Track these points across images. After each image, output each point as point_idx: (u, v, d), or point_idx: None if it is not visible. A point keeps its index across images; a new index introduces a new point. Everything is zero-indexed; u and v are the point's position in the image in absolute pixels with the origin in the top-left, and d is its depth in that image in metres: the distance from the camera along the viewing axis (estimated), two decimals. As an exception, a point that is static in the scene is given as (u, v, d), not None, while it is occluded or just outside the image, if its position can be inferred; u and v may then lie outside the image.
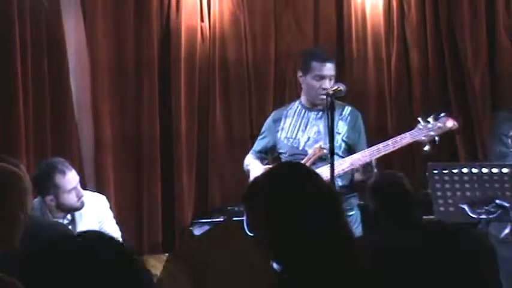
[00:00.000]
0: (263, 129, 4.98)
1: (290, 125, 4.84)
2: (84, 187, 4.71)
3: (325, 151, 4.61)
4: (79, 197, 4.42)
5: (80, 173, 4.92)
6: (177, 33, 5.78)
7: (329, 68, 4.74)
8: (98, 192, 4.86)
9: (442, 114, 4.63)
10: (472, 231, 3.54)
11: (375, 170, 4.53)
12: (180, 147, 5.76)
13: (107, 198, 4.79)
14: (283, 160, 4.77)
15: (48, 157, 4.97)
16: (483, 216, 4.03)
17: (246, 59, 5.96)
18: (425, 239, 3.16)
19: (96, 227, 4.54)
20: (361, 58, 6.08)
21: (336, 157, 4.61)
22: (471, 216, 4.05)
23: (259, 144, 4.97)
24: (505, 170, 4.04)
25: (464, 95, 6.02)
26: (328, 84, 4.69)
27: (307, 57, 4.85)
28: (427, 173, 4.16)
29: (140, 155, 5.72)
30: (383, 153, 4.56)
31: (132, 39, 5.70)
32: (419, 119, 4.62)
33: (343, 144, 4.71)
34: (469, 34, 6.00)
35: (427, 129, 4.56)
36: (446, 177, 4.09)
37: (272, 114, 4.99)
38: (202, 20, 5.87)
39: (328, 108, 4.22)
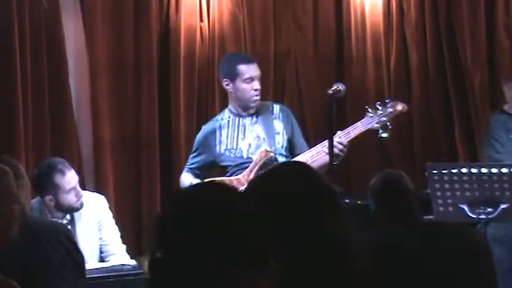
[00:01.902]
0: (195, 146, 4.85)
1: (227, 136, 4.74)
2: (83, 187, 4.71)
3: (271, 154, 4.60)
4: (78, 197, 4.42)
5: (79, 172, 4.92)
6: (176, 32, 5.78)
7: (256, 69, 4.73)
8: (97, 192, 4.86)
9: (389, 100, 4.69)
10: (471, 231, 3.54)
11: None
12: (179, 146, 5.76)
13: (106, 198, 4.79)
14: (229, 172, 4.70)
15: (47, 157, 4.97)
16: (482, 217, 4.04)
17: (245, 59, 5.95)
18: (425, 239, 3.15)
19: (95, 227, 4.54)
20: (361, 58, 6.08)
21: (282, 158, 4.61)
22: (470, 216, 4.06)
23: (194, 161, 4.83)
24: (504, 170, 4.05)
25: (464, 95, 6.01)
26: (258, 84, 4.69)
27: (231, 62, 4.79)
28: (426, 173, 4.16)
29: (139, 155, 5.72)
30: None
31: (131, 39, 5.70)
32: (367, 107, 4.64)
33: (285, 144, 4.71)
34: (469, 34, 5.99)
35: (378, 116, 4.60)
36: (445, 177, 4.10)
37: (202, 130, 4.88)
38: (201, 19, 5.86)
39: (328, 109, 4.20)
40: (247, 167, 4.62)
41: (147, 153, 5.71)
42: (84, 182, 5.17)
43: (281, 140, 4.70)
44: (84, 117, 5.63)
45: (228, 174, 4.70)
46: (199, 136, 4.87)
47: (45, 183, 4.35)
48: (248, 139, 4.71)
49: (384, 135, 4.61)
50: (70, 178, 4.39)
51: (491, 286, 3.20)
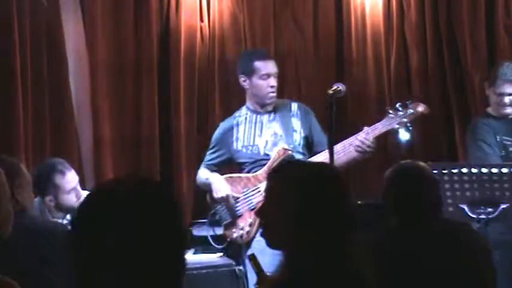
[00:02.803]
0: (213, 142, 4.86)
1: (244, 132, 4.76)
2: (83, 187, 4.71)
3: (289, 152, 4.60)
4: (78, 198, 4.41)
5: (79, 172, 4.92)
6: (176, 33, 5.79)
7: (273, 66, 4.75)
8: (97, 192, 4.85)
9: (410, 101, 4.68)
10: (471, 231, 3.54)
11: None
12: (179, 147, 5.76)
13: (106, 198, 4.78)
14: (246, 169, 4.71)
15: (47, 157, 4.97)
16: (482, 217, 4.04)
17: (245, 59, 5.95)
18: (425, 239, 3.15)
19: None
20: (361, 58, 6.08)
21: (299, 155, 4.62)
22: (470, 216, 4.06)
23: (212, 157, 4.84)
24: (504, 170, 4.05)
25: (464, 95, 6.01)
26: (275, 81, 4.70)
27: (248, 58, 4.81)
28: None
29: (139, 155, 5.72)
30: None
31: (131, 39, 5.70)
32: (388, 108, 4.64)
33: (302, 141, 4.72)
34: (469, 34, 5.99)
35: (398, 117, 4.60)
36: (446, 177, 4.10)
37: (220, 126, 4.90)
38: (201, 19, 5.87)
39: (328, 109, 4.19)
40: (264, 164, 4.63)
41: (147, 153, 5.71)
42: (84, 182, 5.17)
43: (298, 137, 4.71)
44: (84, 117, 5.63)
45: (245, 171, 4.71)
46: (216, 133, 4.89)
47: (45, 184, 4.35)
48: (265, 136, 4.73)
49: (405, 136, 4.61)
50: (70, 178, 4.39)
51: (490, 285, 3.20)
